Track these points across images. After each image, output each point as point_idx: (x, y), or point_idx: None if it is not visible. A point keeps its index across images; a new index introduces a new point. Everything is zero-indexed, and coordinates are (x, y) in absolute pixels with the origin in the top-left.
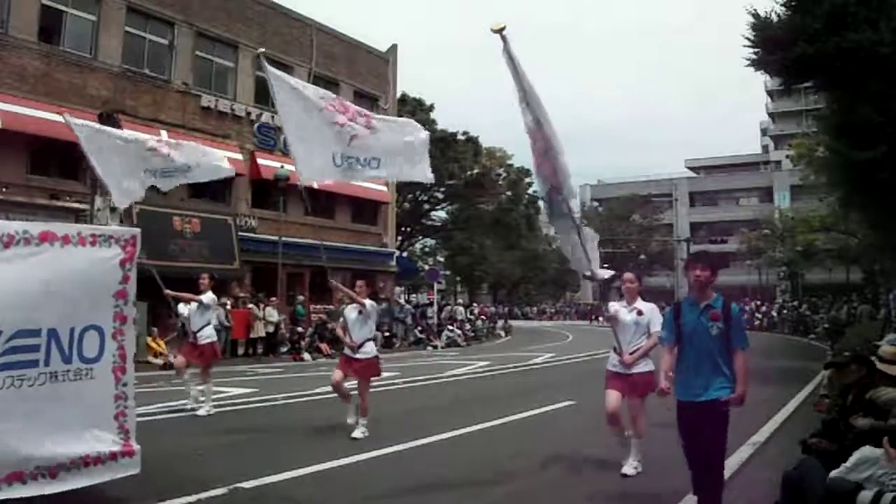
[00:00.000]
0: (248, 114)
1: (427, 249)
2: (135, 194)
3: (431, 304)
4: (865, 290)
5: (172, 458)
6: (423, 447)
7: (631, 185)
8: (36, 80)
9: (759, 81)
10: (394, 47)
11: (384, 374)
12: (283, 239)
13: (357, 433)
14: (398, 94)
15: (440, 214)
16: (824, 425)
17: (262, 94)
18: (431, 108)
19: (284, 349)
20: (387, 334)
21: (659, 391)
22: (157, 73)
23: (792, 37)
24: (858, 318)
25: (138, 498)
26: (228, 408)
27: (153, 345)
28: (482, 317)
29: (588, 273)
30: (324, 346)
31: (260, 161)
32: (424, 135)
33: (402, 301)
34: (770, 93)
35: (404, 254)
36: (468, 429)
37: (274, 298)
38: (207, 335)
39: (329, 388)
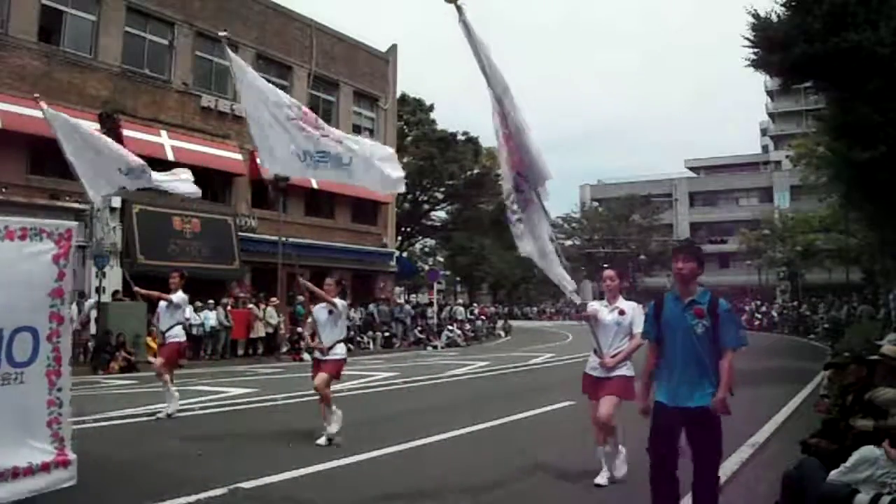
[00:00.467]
0: None
1: (427, 249)
2: (106, 190)
3: (431, 304)
4: (865, 290)
5: (172, 459)
6: (423, 447)
7: (631, 185)
8: (36, 80)
9: (759, 81)
10: (394, 47)
11: (384, 375)
12: (286, 239)
13: (322, 440)
14: (398, 94)
15: (440, 214)
16: (824, 425)
17: None
18: (431, 108)
19: (284, 349)
20: (387, 334)
21: (640, 411)
22: (156, 73)
23: (792, 37)
24: (858, 318)
25: (138, 498)
26: (228, 408)
27: (153, 345)
28: (482, 317)
29: (572, 290)
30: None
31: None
32: (397, 175)
33: (401, 301)
34: (770, 93)
35: (404, 254)
36: (468, 429)
37: (274, 299)
38: (175, 335)
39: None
